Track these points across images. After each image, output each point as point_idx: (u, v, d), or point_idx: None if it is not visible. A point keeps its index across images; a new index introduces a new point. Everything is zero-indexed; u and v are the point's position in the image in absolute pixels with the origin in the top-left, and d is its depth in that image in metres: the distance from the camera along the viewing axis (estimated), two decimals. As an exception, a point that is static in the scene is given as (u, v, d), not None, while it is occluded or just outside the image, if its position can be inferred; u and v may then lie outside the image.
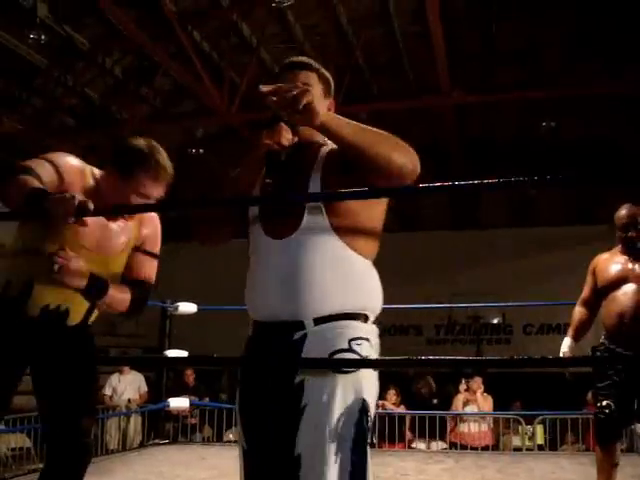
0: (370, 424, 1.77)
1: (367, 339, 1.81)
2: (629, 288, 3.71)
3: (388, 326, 12.00)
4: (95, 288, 2.36)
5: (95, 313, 2.57)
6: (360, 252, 1.85)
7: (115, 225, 2.55)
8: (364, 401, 1.75)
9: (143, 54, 9.75)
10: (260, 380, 1.86)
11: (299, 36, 9.86)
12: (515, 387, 8.20)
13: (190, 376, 8.28)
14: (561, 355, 3.78)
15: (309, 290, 1.79)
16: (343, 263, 1.82)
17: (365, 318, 1.84)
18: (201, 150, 11.30)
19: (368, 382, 1.78)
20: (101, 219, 2.48)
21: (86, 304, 2.47)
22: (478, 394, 7.17)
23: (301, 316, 1.80)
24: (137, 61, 10.05)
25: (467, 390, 7.23)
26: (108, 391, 8.46)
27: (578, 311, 3.98)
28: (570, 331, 3.93)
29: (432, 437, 6.71)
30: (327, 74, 2.01)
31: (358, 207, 1.85)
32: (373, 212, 1.90)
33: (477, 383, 7.22)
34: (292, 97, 1.69)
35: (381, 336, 1.92)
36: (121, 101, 10.46)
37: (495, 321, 13.34)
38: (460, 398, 7.20)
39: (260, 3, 9.04)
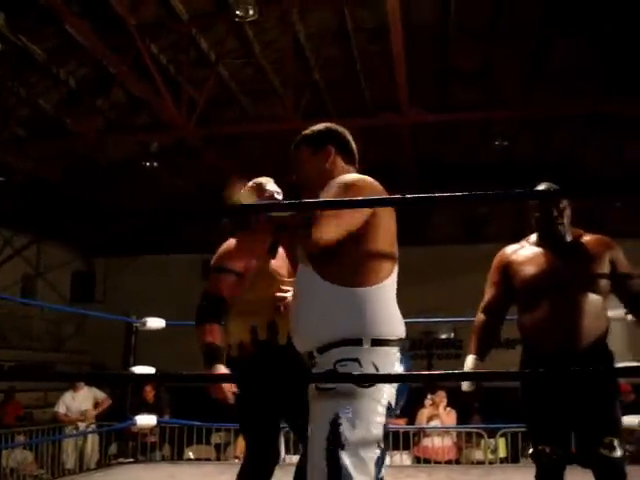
0: (345, 437, 1.94)
1: (355, 359, 2.01)
2: (562, 292, 2.91)
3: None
4: None
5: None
6: (349, 283, 2.09)
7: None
8: (336, 415, 1.96)
9: (99, 66, 9.61)
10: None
11: (257, 52, 9.87)
12: (473, 401, 8.30)
13: (150, 393, 8.11)
14: None
15: (305, 326, 2.13)
16: (329, 297, 2.08)
17: (358, 342, 2.03)
18: (155, 164, 11.16)
19: (347, 398, 1.97)
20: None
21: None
22: (441, 408, 7.24)
23: (309, 348, 2.14)
24: (93, 73, 9.89)
25: (432, 405, 7.29)
26: (61, 409, 8.20)
27: (482, 320, 3.11)
28: (472, 346, 3.08)
29: (396, 449, 6.75)
30: (314, 134, 2.39)
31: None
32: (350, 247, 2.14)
33: (441, 397, 7.29)
34: None
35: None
36: (75, 113, 10.26)
37: (446, 336, 13.51)
38: (425, 413, 7.25)
39: (220, 18, 9.03)
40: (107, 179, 11.67)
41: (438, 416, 7.19)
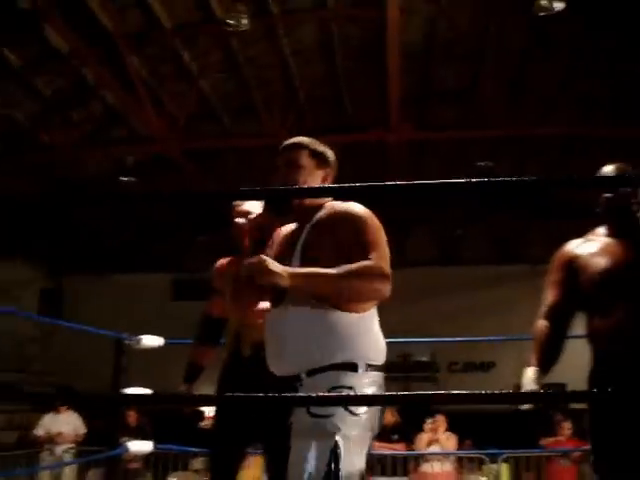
0: (342, 464, 1.93)
1: (350, 387, 2.02)
2: None
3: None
4: None
5: None
6: (344, 308, 2.10)
7: None
8: (336, 443, 1.94)
9: (78, 76, 9.29)
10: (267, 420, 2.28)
11: (241, 65, 9.65)
12: (465, 426, 8.10)
13: (132, 416, 7.71)
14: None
15: (296, 349, 2.08)
16: (323, 321, 2.07)
17: (353, 367, 2.05)
18: (132, 178, 10.82)
19: (345, 426, 1.97)
20: None
21: None
22: (440, 433, 7.03)
23: (296, 371, 2.09)
24: (70, 84, 9.55)
25: (431, 429, 7.06)
26: (41, 432, 7.71)
27: (543, 327, 2.59)
28: (533, 358, 2.56)
29: (394, 474, 6.56)
30: (320, 148, 2.38)
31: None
32: None
33: (440, 421, 7.08)
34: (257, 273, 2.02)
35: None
36: (50, 125, 9.89)
37: (424, 359, 13.36)
38: (424, 437, 7.02)
39: (205, 29, 8.81)
40: (81, 194, 11.24)
41: (438, 441, 6.97)
